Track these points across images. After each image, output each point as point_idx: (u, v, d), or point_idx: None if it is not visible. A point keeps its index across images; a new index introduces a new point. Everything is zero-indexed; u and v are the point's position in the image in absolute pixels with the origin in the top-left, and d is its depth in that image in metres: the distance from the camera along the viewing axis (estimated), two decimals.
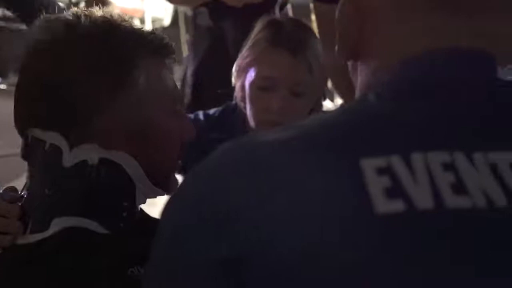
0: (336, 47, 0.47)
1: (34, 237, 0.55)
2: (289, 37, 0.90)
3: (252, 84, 0.90)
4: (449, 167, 0.36)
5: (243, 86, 0.93)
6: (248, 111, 0.92)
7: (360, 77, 0.47)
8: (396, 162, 0.35)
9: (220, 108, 1.02)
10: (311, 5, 1.36)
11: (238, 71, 0.95)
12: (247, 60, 0.92)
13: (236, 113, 0.97)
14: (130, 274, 0.55)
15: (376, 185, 0.34)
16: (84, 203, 0.57)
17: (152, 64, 0.63)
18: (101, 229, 0.56)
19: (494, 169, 0.36)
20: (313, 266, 0.33)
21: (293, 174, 0.35)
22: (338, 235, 0.34)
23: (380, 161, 0.35)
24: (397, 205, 0.34)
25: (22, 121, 0.61)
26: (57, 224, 0.55)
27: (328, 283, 0.32)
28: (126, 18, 0.63)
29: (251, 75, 0.91)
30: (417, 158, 0.35)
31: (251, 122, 0.93)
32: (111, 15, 0.62)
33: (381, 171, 0.35)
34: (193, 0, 1.59)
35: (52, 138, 0.57)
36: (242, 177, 0.36)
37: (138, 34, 0.62)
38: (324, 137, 0.38)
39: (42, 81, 0.59)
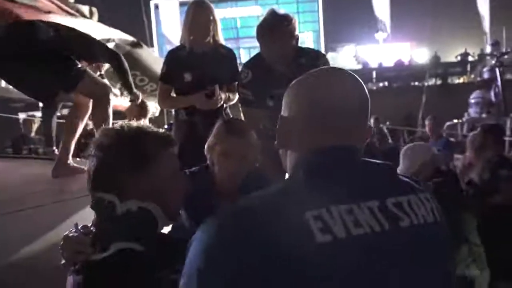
0: (276, 140, 0.68)
1: (101, 255, 0.77)
2: (237, 129, 1.31)
3: (217, 155, 1.28)
4: (350, 212, 0.53)
5: (211, 156, 1.31)
6: (216, 170, 1.30)
7: (290, 159, 0.67)
8: (323, 212, 0.52)
9: (197, 167, 1.38)
10: (240, 108, 1.91)
11: (208, 148, 1.32)
12: (214, 142, 1.30)
13: (207, 170, 1.34)
14: (158, 276, 0.75)
15: (315, 226, 0.50)
16: (129, 233, 0.79)
17: (165, 151, 0.86)
18: (139, 248, 0.78)
19: (371, 211, 0.54)
20: (286, 275, 0.48)
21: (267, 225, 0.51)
22: (294, 256, 0.48)
23: (315, 212, 0.52)
24: (327, 237, 0.50)
25: (91, 187, 0.83)
26: (114, 247, 0.77)
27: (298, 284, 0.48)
28: (150, 126, 0.88)
29: (216, 150, 1.28)
30: (334, 209, 0.52)
31: (218, 177, 1.30)
32: (141, 124, 0.87)
33: (316, 218, 0.51)
34: (176, 106, 2.09)
35: (110, 197, 0.80)
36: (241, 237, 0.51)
37: (158, 134, 0.87)
38: (282, 200, 0.55)
39: (103, 166, 0.81)
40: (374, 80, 14.41)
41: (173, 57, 2.03)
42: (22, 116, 6.94)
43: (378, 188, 0.58)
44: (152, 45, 14.03)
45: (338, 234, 0.51)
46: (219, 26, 1.99)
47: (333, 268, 0.49)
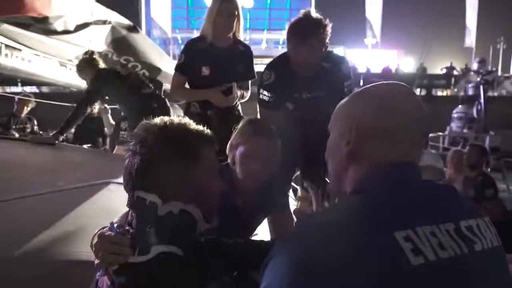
0: (331, 153, 0.68)
1: (141, 258, 0.74)
2: (263, 130, 1.28)
3: (242, 154, 1.26)
4: (433, 234, 0.53)
5: (233, 156, 1.28)
6: (238, 170, 1.27)
7: (353, 173, 0.64)
8: (411, 233, 0.52)
9: (219, 165, 1.34)
10: (258, 108, 1.86)
11: (231, 147, 1.30)
12: (238, 141, 1.28)
13: (228, 168, 1.31)
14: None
15: (406, 247, 0.50)
16: (169, 236, 0.76)
17: (208, 150, 0.83)
18: (180, 252, 0.75)
19: (449, 233, 0.54)
20: None
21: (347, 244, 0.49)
22: (387, 277, 0.48)
23: (403, 233, 0.51)
24: (420, 259, 0.50)
25: (132, 185, 0.79)
26: (155, 250, 0.74)
27: None
28: (190, 122, 0.84)
29: (240, 150, 1.26)
30: (419, 230, 0.52)
31: (239, 176, 1.27)
32: (183, 121, 0.83)
33: (406, 238, 0.51)
34: (189, 99, 2.06)
35: (151, 197, 0.77)
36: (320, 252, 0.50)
37: (201, 131, 0.84)
38: (366, 217, 0.53)
39: (148, 164, 0.77)
40: (361, 85, 14.63)
41: (192, 49, 2.00)
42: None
43: (450, 210, 0.58)
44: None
45: (429, 257, 0.51)
46: (242, 23, 1.98)
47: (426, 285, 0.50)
